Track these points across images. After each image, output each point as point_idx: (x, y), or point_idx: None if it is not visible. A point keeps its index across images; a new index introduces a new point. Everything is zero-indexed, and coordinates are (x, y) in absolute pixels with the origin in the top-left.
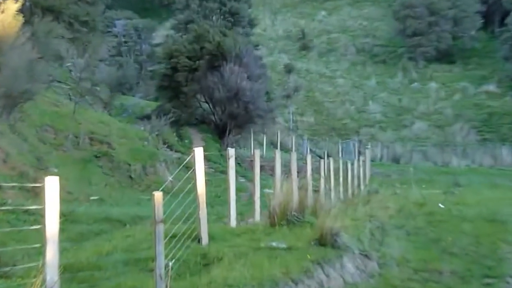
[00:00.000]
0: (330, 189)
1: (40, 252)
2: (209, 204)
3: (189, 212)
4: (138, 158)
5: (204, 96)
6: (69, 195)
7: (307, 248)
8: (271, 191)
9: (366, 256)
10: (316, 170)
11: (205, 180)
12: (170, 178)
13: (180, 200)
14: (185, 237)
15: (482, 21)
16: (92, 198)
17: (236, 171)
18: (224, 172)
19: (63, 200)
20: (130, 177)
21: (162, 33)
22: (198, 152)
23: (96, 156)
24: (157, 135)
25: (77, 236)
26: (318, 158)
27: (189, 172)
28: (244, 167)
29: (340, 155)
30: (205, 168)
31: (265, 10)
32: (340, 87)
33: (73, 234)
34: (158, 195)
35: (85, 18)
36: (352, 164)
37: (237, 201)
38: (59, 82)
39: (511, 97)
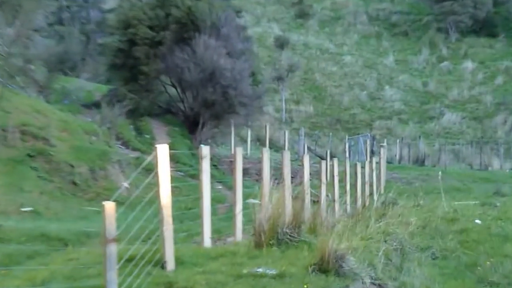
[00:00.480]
0: (333, 200)
1: None
2: (177, 219)
3: (151, 229)
4: (84, 158)
5: (170, 77)
6: None
7: (304, 275)
8: (257, 201)
9: (380, 286)
10: (315, 175)
11: (172, 187)
12: (125, 184)
13: (139, 213)
14: (145, 260)
15: None
16: (24, 209)
17: (212, 176)
18: (196, 176)
19: None
20: (74, 182)
21: None
22: (162, 151)
23: (29, 156)
24: (109, 128)
25: (4, 258)
26: (319, 159)
27: (150, 177)
28: (222, 170)
29: (347, 155)
30: (171, 171)
31: None
32: (347, 66)
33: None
34: (109, 206)
35: None
36: (363, 167)
37: (213, 214)
38: None
39: None
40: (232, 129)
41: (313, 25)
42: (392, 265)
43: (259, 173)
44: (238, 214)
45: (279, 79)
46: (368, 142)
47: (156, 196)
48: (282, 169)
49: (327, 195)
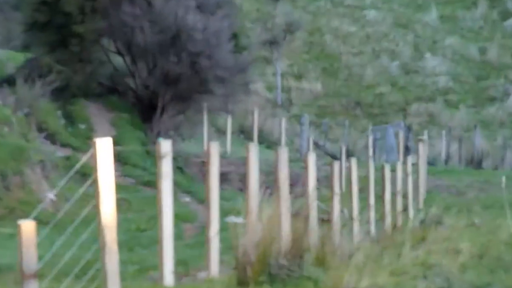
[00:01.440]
0: (351, 217)
1: None
2: (125, 245)
3: (87, 260)
4: None
5: (115, 42)
6: None
7: None
8: (240, 220)
9: None
10: (325, 182)
11: (118, 199)
12: (50, 196)
13: (71, 236)
14: None
15: None
16: None
17: (176, 183)
18: (153, 184)
19: None
20: None
21: None
22: (104, 148)
23: None
24: (26, 115)
25: None
26: (330, 158)
27: (86, 185)
28: (190, 175)
29: (371, 153)
30: (117, 177)
31: None
32: (371, 25)
33: None
34: (28, 227)
35: None
36: (394, 171)
37: (177, 238)
38: None
39: None
40: (205, 116)
41: None
42: None
43: (244, 179)
44: (214, 238)
45: (273, 43)
46: (401, 134)
47: (96, 213)
48: (277, 174)
49: (341, 211)
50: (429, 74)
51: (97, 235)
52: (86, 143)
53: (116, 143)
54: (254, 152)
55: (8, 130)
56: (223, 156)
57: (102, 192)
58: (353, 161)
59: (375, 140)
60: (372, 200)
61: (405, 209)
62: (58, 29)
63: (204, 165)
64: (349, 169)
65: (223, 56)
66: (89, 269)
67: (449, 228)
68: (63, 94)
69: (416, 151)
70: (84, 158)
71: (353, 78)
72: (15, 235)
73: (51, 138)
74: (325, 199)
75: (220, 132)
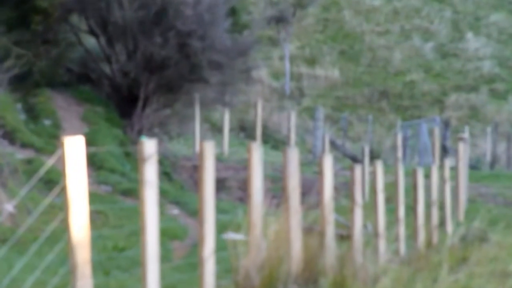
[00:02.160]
0: (376, 234)
1: None
2: (100, 268)
3: (54, 284)
4: None
5: (87, 19)
6: None
7: None
8: (240, 236)
9: None
10: (344, 190)
11: (91, 211)
12: (9, 208)
13: (34, 257)
14: None
15: None
16: None
17: (162, 192)
18: (134, 193)
19: None
20: None
21: None
22: (74, 148)
23: None
24: None
25: None
26: (350, 161)
27: (52, 194)
28: (179, 182)
29: (400, 154)
30: (91, 183)
31: None
32: None
33: None
34: None
35: None
36: (428, 176)
37: (164, 259)
38: None
39: None
40: (197, 109)
41: None
42: None
43: (245, 186)
44: (208, 258)
45: (280, 20)
46: (437, 131)
47: (64, 229)
48: (285, 180)
49: (364, 226)
50: (471, 58)
51: (67, 255)
52: (52, 143)
53: (88, 142)
54: (257, 153)
55: None
56: (219, 159)
57: (72, 203)
58: (378, 165)
59: (405, 138)
60: (401, 212)
61: (442, 223)
62: (17, 4)
63: (196, 170)
64: (373, 175)
65: (219, 36)
66: None
67: (495, 246)
68: (23, 83)
69: (455, 152)
70: (49, 162)
71: (378, 63)
72: None
73: (9, 136)
74: (344, 211)
75: (215, 130)
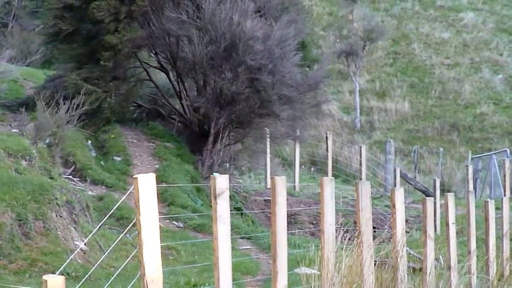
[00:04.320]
0: (448, 267)
1: None
2: None
3: None
4: (8, 198)
5: (157, 54)
6: None
7: None
8: (313, 271)
9: None
10: (416, 223)
11: (163, 247)
12: (81, 244)
13: None
14: None
15: None
16: None
17: (232, 227)
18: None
19: None
20: None
21: None
22: (147, 184)
23: None
24: (49, 145)
25: None
26: (421, 194)
27: (125, 231)
28: (250, 217)
29: (471, 187)
30: (163, 220)
31: None
32: (469, 31)
33: None
34: (55, 282)
35: None
36: (499, 208)
37: None
38: None
39: None
40: (268, 144)
41: None
42: None
43: (316, 221)
44: None
45: (350, 54)
46: (508, 163)
47: (137, 266)
48: (358, 214)
49: (436, 259)
50: None
51: None
52: (123, 179)
53: (159, 178)
54: (329, 187)
55: (27, 164)
56: (290, 193)
57: (145, 239)
58: (450, 197)
59: (476, 171)
60: (473, 244)
61: None
62: (87, 40)
63: (267, 204)
64: (444, 207)
65: (289, 70)
66: None
67: None
68: (93, 120)
69: None
70: (122, 199)
71: (448, 96)
72: None
73: (80, 173)
74: (416, 245)
75: (286, 164)
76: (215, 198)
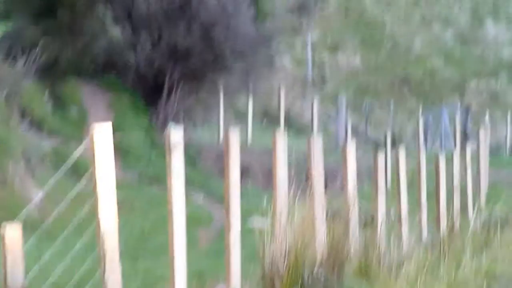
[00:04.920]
0: (399, 219)
1: None
2: (128, 254)
3: (83, 271)
4: None
5: (113, 9)
6: None
7: None
8: (265, 222)
9: None
10: (367, 176)
11: (118, 199)
12: (37, 195)
13: (63, 245)
14: None
15: None
16: None
17: (188, 179)
18: (160, 180)
19: None
20: None
21: None
22: (103, 134)
23: None
24: (7, 98)
25: None
26: (373, 147)
27: (81, 182)
28: (204, 168)
29: (422, 140)
30: (117, 171)
31: None
32: None
33: None
34: (13, 232)
35: None
36: (450, 161)
37: (190, 246)
38: None
39: None
40: (221, 97)
41: None
42: None
43: (269, 174)
44: (234, 244)
45: (302, 8)
46: (458, 117)
47: (93, 216)
48: (309, 167)
49: (388, 212)
50: (491, 44)
51: (95, 242)
52: (79, 130)
53: (115, 130)
54: (282, 140)
55: None
56: (243, 146)
57: (101, 190)
58: (401, 150)
59: (426, 124)
60: (424, 197)
61: (465, 208)
62: None
63: (221, 157)
64: (396, 160)
65: (242, 25)
66: (85, 283)
67: None
68: (50, 73)
69: (476, 138)
70: (78, 150)
71: (399, 50)
72: None
73: (37, 125)
74: (367, 198)
75: (239, 117)
76: (170, 149)
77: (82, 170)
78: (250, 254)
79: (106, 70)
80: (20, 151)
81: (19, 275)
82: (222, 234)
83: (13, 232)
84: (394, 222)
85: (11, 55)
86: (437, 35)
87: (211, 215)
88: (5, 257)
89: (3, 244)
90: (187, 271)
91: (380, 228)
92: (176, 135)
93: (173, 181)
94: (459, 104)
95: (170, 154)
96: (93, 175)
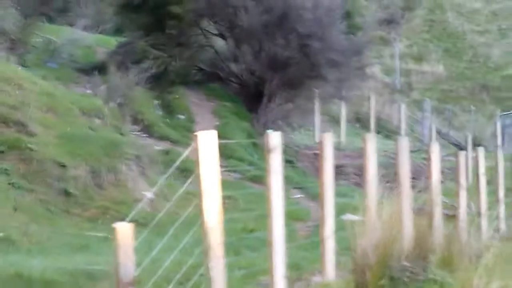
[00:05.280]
0: (479, 213)
1: None
2: (232, 248)
3: (190, 264)
4: (82, 153)
5: (217, 23)
6: None
7: None
8: (357, 217)
9: None
10: (450, 174)
11: (223, 197)
12: (148, 195)
13: (171, 240)
14: None
15: None
16: None
17: (285, 178)
18: (261, 180)
19: None
20: (67, 192)
21: None
22: (208, 140)
23: None
24: (120, 105)
25: None
26: (455, 148)
27: (188, 182)
28: (301, 169)
29: (500, 141)
30: (222, 172)
31: None
32: (497, 1)
33: None
34: (125, 230)
35: None
36: None
37: (289, 240)
38: None
39: None
40: (317, 103)
41: None
42: None
43: (361, 173)
44: (329, 238)
45: (391, 22)
46: None
47: (199, 213)
48: (397, 166)
49: (468, 206)
50: None
51: (201, 237)
52: (186, 135)
53: (219, 135)
54: (372, 142)
55: (100, 122)
56: (337, 148)
57: (206, 189)
58: (480, 151)
59: (504, 127)
60: (501, 193)
61: None
62: (154, 10)
63: (316, 158)
64: (475, 160)
65: (335, 37)
66: (192, 275)
67: None
68: (159, 82)
69: None
70: (185, 153)
71: (478, 59)
72: (109, 239)
73: (148, 130)
74: (450, 194)
75: (333, 121)
76: (269, 152)
77: (188, 171)
78: (343, 247)
79: (210, 80)
80: (133, 154)
81: (130, 268)
82: (318, 229)
83: (125, 229)
84: (474, 216)
85: (123, 66)
86: None
87: (308, 211)
88: (117, 253)
89: (115, 241)
90: (285, 263)
91: (461, 222)
92: (274, 139)
93: (272, 180)
94: None
95: (269, 156)
96: (198, 176)
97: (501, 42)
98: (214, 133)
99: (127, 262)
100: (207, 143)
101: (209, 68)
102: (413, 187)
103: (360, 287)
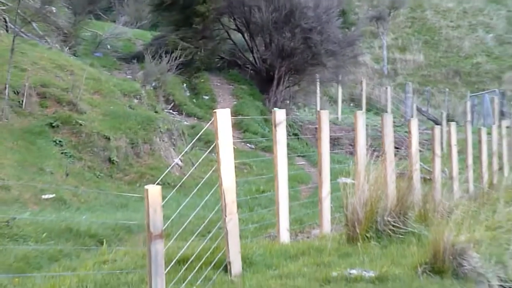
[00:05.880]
0: (451, 177)
1: None
2: (245, 205)
3: (210, 220)
4: (123, 127)
5: (235, 20)
6: (5, 192)
7: (412, 278)
8: (349, 180)
9: None
10: (427, 145)
11: (238, 164)
12: (177, 161)
13: (195, 198)
14: (202, 262)
15: None
16: (44, 197)
17: (292, 148)
18: (271, 150)
19: None
20: (110, 160)
21: None
22: (223, 116)
23: (51, 126)
24: (155, 88)
25: (19, 262)
26: (432, 123)
27: (208, 150)
28: (305, 140)
29: (469, 118)
30: (239, 143)
31: None
32: (467, 1)
33: (13, 259)
34: (154, 191)
35: None
36: (490, 133)
37: (292, 199)
38: None
39: None
40: (318, 86)
41: None
42: None
43: (353, 143)
44: (325, 198)
45: (379, 19)
46: (497, 100)
47: (217, 177)
48: (383, 138)
49: (442, 171)
50: None
51: (219, 197)
52: (210, 112)
53: (237, 112)
54: (361, 119)
55: (138, 102)
56: (334, 123)
57: (222, 157)
58: (453, 126)
59: (472, 106)
60: (470, 160)
61: (501, 168)
62: (183, 9)
63: (316, 131)
64: (449, 133)
65: (333, 31)
66: (212, 228)
67: None
68: (187, 68)
69: (510, 116)
70: (205, 127)
71: (452, 50)
72: (143, 199)
73: (178, 108)
74: (427, 161)
75: (331, 101)
76: (275, 126)
77: (211, 142)
78: (338, 205)
79: (230, 66)
80: (165, 128)
81: (159, 223)
82: (317, 190)
83: (154, 190)
84: (447, 179)
85: (157, 55)
86: (481, 38)
87: (309, 175)
88: (147, 211)
89: (146, 201)
90: (289, 218)
91: (436, 184)
92: (279, 115)
93: (278, 149)
94: (497, 90)
95: (275, 129)
96: (217, 145)
97: (471, 35)
98: (228, 111)
99: (156, 218)
100: (223, 119)
101: (228, 57)
102: (396, 155)
103: (351, 239)
